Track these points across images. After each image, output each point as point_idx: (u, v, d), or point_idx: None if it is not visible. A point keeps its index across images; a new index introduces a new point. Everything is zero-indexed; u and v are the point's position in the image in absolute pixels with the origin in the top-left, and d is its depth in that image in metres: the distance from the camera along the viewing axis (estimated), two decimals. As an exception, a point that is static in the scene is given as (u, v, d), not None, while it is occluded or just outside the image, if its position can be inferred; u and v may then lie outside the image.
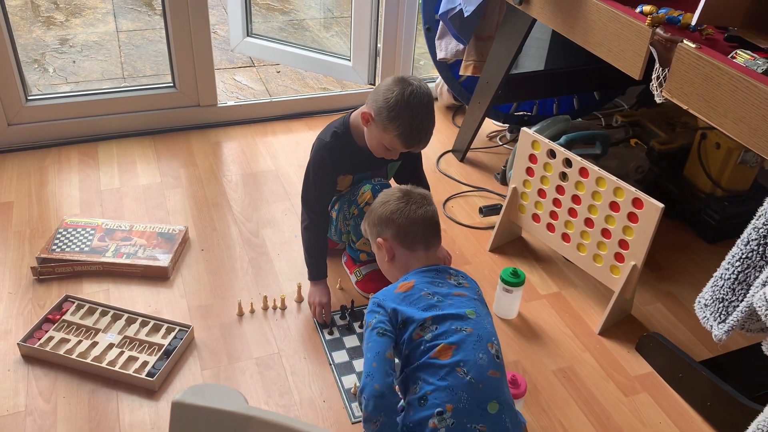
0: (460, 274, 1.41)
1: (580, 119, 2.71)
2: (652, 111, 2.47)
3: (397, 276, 1.44)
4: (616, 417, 1.60)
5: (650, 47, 1.51)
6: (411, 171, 1.89)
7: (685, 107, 1.45)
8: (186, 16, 2.36)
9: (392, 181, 1.92)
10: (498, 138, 2.65)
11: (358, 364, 1.66)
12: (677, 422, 1.59)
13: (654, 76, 1.52)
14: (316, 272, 1.78)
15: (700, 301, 1.39)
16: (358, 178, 1.82)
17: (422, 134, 1.64)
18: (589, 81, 2.52)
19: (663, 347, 1.71)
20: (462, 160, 2.49)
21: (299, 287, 1.83)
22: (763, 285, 1.20)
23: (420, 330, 1.28)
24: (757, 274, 1.27)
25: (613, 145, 2.18)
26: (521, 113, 2.68)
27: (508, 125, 2.64)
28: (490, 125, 2.70)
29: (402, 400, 1.34)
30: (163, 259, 1.89)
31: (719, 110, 1.37)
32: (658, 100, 1.54)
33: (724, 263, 1.34)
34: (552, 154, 1.84)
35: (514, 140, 2.62)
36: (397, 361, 1.32)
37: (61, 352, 1.60)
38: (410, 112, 1.58)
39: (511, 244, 2.11)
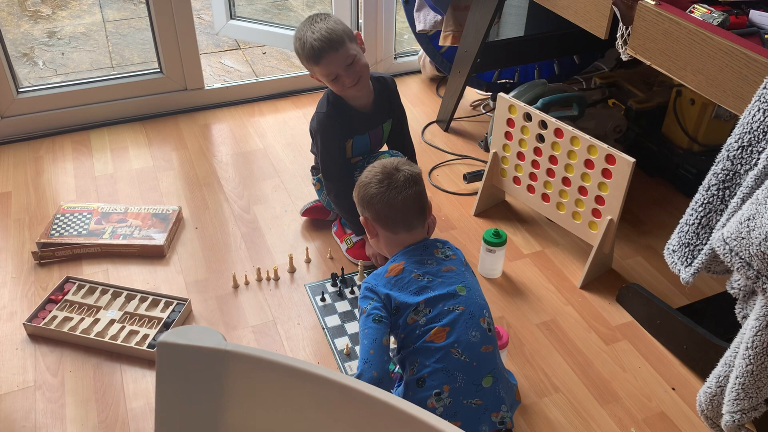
0: (446, 246, 1.45)
1: (559, 83, 2.76)
2: (630, 72, 2.52)
3: (384, 251, 1.49)
4: (597, 364, 1.67)
5: (613, 7, 1.56)
6: (397, 132, 1.97)
7: (648, 63, 1.50)
8: (168, 2, 2.41)
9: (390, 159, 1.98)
10: (481, 106, 2.70)
11: (350, 327, 1.74)
12: (656, 366, 1.67)
13: (618, 34, 1.58)
14: (359, 227, 1.85)
15: (668, 248, 1.45)
16: (357, 143, 1.89)
17: (317, 42, 1.70)
18: (568, 45, 2.57)
19: (642, 297, 1.79)
20: (446, 129, 2.55)
21: (291, 258, 1.90)
22: (722, 227, 1.27)
23: (414, 314, 1.33)
24: (718, 218, 1.33)
25: (591, 106, 2.24)
26: (503, 81, 2.73)
27: (490, 93, 2.70)
28: (473, 94, 2.76)
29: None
30: (159, 238, 1.95)
31: (679, 63, 1.42)
32: (624, 57, 1.59)
33: (688, 209, 1.40)
34: (528, 117, 1.90)
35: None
36: (393, 345, 1.39)
37: (65, 329, 1.68)
38: (309, 25, 1.72)
39: (494, 208, 2.17)
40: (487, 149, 2.43)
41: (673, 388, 1.62)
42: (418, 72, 2.89)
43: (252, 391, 0.66)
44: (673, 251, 1.44)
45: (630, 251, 2.02)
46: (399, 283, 1.35)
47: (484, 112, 2.67)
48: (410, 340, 1.33)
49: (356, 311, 1.79)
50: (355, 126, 1.87)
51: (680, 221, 1.44)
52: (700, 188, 1.38)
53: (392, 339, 1.39)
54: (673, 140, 2.30)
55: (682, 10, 1.44)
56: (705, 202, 1.35)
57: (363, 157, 1.92)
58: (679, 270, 1.43)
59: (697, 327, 1.64)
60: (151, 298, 1.78)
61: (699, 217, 1.37)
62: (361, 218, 1.47)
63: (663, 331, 1.73)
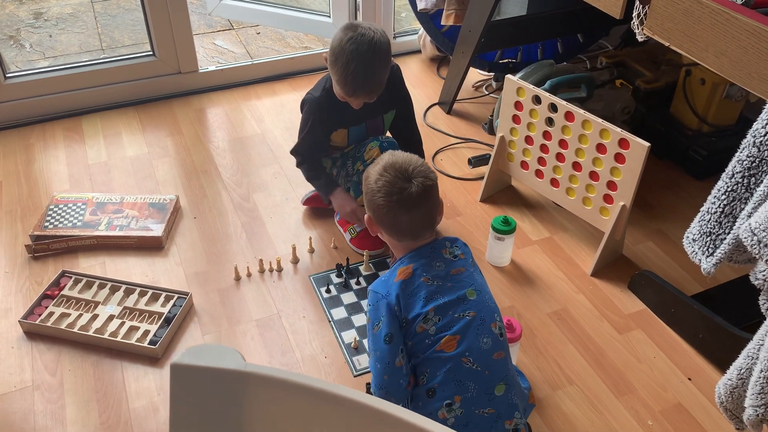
0: (455, 244, 1.36)
1: (564, 63, 2.70)
2: (637, 50, 2.46)
3: (388, 241, 1.40)
4: (610, 354, 1.63)
5: (629, -16, 1.49)
6: (404, 123, 1.89)
7: (666, 44, 1.44)
8: (159, -19, 2.32)
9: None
10: (484, 87, 2.63)
11: (357, 320, 1.69)
12: (671, 356, 1.63)
13: (634, 14, 1.51)
14: (326, 185, 1.82)
15: (688, 236, 1.41)
16: (353, 133, 1.82)
17: (358, 83, 1.61)
18: (573, 23, 2.50)
19: (655, 284, 1.74)
20: (449, 112, 2.48)
21: (294, 248, 1.85)
22: (749, 216, 1.22)
23: (423, 323, 1.25)
24: (742, 206, 1.29)
25: (599, 87, 2.18)
26: (506, 61, 2.66)
27: (493, 74, 2.63)
28: (475, 75, 2.69)
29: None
30: (157, 229, 1.89)
31: (700, 44, 1.36)
32: (639, 38, 1.53)
33: (710, 197, 1.35)
34: (537, 99, 1.84)
35: (501, 89, 2.60)
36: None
37: (63, 326, 1.62)
38: (346, 58, 1.58)
39: (501, 193, 2.12)
40: (491, 132, 2.37)
41: (689, 379, 1.58)
42: (418, 52, 2.81)
43: (275, 416, 0.61)
44: (693, 240, 1.39)
45: (640, 236, 1.97)
46: (408, 287, 1.27)
47: (486, 93, 2.60)
48: (419, 350, 1.27)
49: (363, 303, 1.73)
50: (348, 117, 1.80)
51: (701, 209, 1.39)
52: (723, 175, 1.32)
53: None
54: (682, 121, 2.25)
55: (703, -11, 1.37)
56: (728, 189, 1.30)
57: (355, 145, 1.85)
58: (699, 260, 1.38)
59: (713, 315, 1.61)
60: (150, 292, 1.72)
61: (722, 206, 1.32)
62: (365, 216, 1.37)
63: (677, 320, 1.69)
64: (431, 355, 1.25)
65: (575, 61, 2.76)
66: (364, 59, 1.59)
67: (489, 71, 2.65)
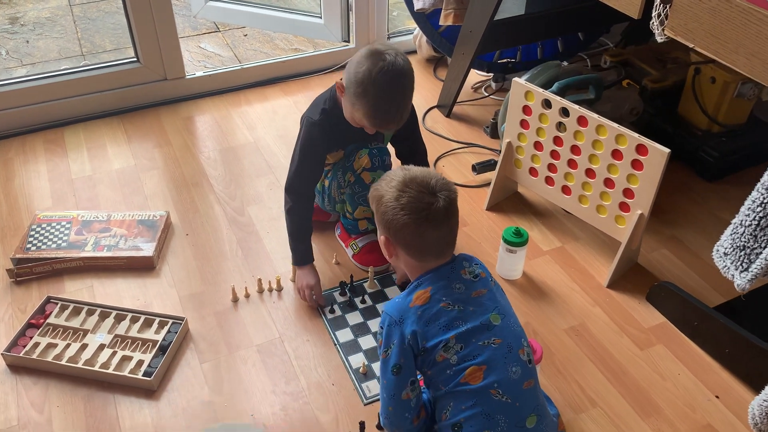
0: (473, 263, 1.27)
1: (564, 62, 2.61)
2: (641, 48, 2.38)
3: (404, 269, 1.30)
4: (633, 371, 1.55)
5: (649, -18, 1.41)
6: (407, 135, 1.79)
7: (690, 45, 1.36)
8: (142, -17, 2.20)
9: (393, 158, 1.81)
10: (483, 89, 2.54)
11: (364, 342, 1.59)
12: (696, 372, 1.55)
13: (654, 13, 1.42)
14: (302, 257, 1.68)
15: (718, 250, 1.33)
16: (349, 150, 1.71)
17: (389, 115, 1.51)
18: (573, 22, 2.41)
19: (675, 296, 1.66)
20: (448, 115, 2.39)
21: (294, 267, 1.74)
22: (790, 231, 1.14)
23: (444, 351, 1.16)
24: (780, 219, 1.21)
25: (606, 88, 2.09)
26: (505, 60, 2.57)
27: (492, 74, 2.54)
28: (473, 76, 2.59)
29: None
30: (147, 249, 1.78)
31: (730, 46, 1.28)
32: (659, 39, 1.44)
33: (743, 209, 1.27)
34: (547, 104, 1.75)
35: (500, 90, 2.52)
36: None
37: (50, 358, 1.51)
38: (377, 90, 1.46)
39: (507, 200, 2.03)
40: (493, 135, 2.28)
41: (717, 396, 1.50)
42: (414, 52, 2.71)
43: None
44: (725, 254, 1.31)
45: (654, 243, 1.89)
46: (426, 314, 1.18)
47: (486, 94, 2.51)
48: (441, 381, 1.18)
49: (370, 323, 1.64)
50: (349, 138, 1.68)
51: (733, 221, 1.31)
52: (758, 186, 1.24)
53: None
54: (691, 121, 2.17)
55: (731, -14, 1.29)
56: (764, 201, 1.22)
57: (344, 154, 1.73)
58: (732, 275, 1.30)
59: (738, 329, 1.53)
60: (143, 317, 1.61)
61: (757, 218, 1.24)
62: (380, 237, 1.27)
63: (701, 333, 1.61)
64: (455, 389, 1.16)
65: (576, 60, 2.67)
66: (397, 91, 1.49)
67: (488, 71, 2.55)
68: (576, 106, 1.68)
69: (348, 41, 2.63)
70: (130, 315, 1.62)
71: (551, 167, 1.82)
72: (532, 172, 1.88)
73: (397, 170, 1.26)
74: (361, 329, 1.62)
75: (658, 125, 2.20)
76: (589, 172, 1.73)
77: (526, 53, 2.59)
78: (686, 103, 2.18)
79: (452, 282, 1.22)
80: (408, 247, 1.23)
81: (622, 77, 2.18)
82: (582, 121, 1.69)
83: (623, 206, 1.70)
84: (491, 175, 2.06)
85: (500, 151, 2.12)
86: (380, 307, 1.68)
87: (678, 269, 1.81)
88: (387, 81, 1.45)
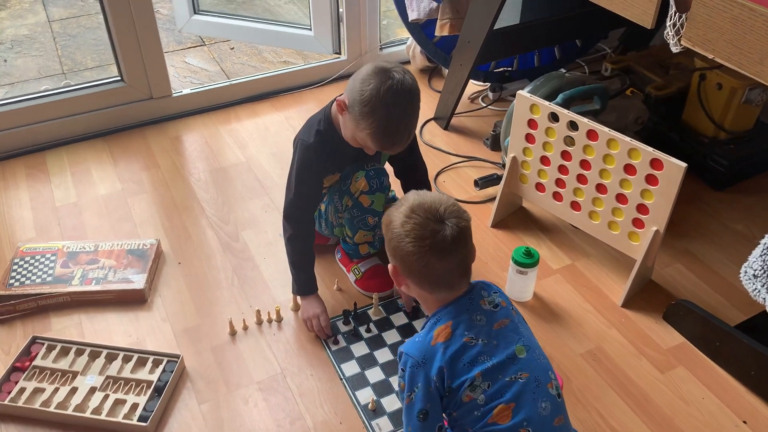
0: (492, 290, 1.20)
1: (562, 70, 2.54)
2: (642, 54, 2.32)
3: (417, 299, 1.23)
4: (655, 397, 1.48)
5: (664, -10, 1.34)
6: (406, 152, 1.70)
7: (710, 56, 1.29)
8: (124, -4, 2.10)
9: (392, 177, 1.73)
10: (480, 99, 2.47)
11: (372, 375, 1.51)
12: (721, 396, 1.48)
13: (669, 23, 1.35)
14: (305, 287, 1.60)
15: (747, 272, 1.26)
16: (346, 172, 1.63)
17: (397, 136, 1.43)
18: (572, 28, 2.35)
19: (693, 314, 1.59)
20: (446, 127, 2.31)
21: (295, 296, 1.65)
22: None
23: (470, 391, 1.09)
24: (815, 240, 1.14)
25: (611, 98, 2.02)
26: (501, 69, 2.50)
27: (489, 84, 2.46)
28: (469, 86, 2.51)
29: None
30: (138, 281, 1.69)
31: (753, 57, 1.21)
32: (674, 49, 1.37)
33: (773, 229, 1.20)
34: (554, 117, 1.68)
35: (498, 100, 2.45)
36: None
37: (37, 405, 1.41)
38: (385, 110, 1.38)
39: (512, 216, 1.95)
40: (494, 148, 2.21)
41: (745, 422, 1.43)
42: (407, 63, 2.63)
43: None
44: (755, 276, 1.24)
45: (667, 258, 1.82)
46: (450, 351, 1.10)
47: (484, 105, 2.44)
48: (468, 423, 1.10)
49: (377, 354, 1.55)
50: (346, 160, 1.60)
51: (762, 242, 1.24)
52: (790, 205, 1.17)
53: None
54: (697, 128, 2.11)
55: (753, -7, 1.22)
56: (798, 221, 1.15)
57: (340, 177, 1.64)
58: (764, 298, 1.23)
59: (764, 349, 1.46)
60: (136, 356, 1.52)
61: (790, 239, 1.17)
62: (389, 265, 1.20)
63: (723, 354, 1.54)
64: (483, 429, 1.09)
65: (574, 67, 2.61)
66: (406, 111, 1.41)
67: (485, 81, 2.48)
68: (585, 120, 1.61)
69: (339, 53, 2.55)
70: (122, 354, 1.52)
71: (559, 182, 1.75)
72: (539, 187, 1.81)
73: (409, 194, 1.18)
74: (367, 361, 1.54)
75: (664, 133, 2.13)
76: (600, 188, 1.66)
77: (523, 61, 2.52)
78: (691, 109, 2.12)
79: (472, 314, 1.14)
80: (414, 276, 1.15)
81: (627, 86, 2.12)
82: (592, 134, 1.61)
83: (637, 222, 1.62)
84: (494, 190, 1.99)
85: (502, 165, 2.06)
86: (386, 336, 1.60)
87: (694, 285, 1.74)
88: (396, 100, 1.37)
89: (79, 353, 1.53)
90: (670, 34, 1.36)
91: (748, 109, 2.03)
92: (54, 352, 1.53)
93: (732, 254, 1.83)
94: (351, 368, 1.52)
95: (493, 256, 1.82)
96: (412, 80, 1.42)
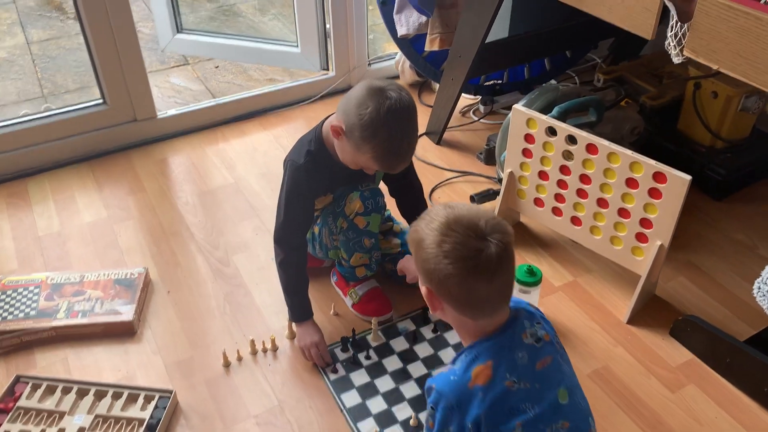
0: (535, 320, 1.09)
1: (553, 82, 2.52)
2: (634, 64, 2.29)
3: (453, 320, 1.10)
4: (667, 419, 1.43)
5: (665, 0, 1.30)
6: (402, 172, 1.66)
7: (714, 67, 1.25)
8: (105, 16, 2.04)
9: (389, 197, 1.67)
10: (472, 112, 2.43)
11: (373, 405, 1.45)
12: (734, 414, 1.44)
13: (670, 33, 1.32)
14: (300, 313, 1.54)
15: (761, 288, 1.22)
16: (339, 193, 1.58)
17: (402, 156, 1.39)
18: (561, 40, 2.32)
19: (702, 330, 1.55)
20: (438, 142, 2.27)
21: (290, 323, 1.59)
22: None
23: None
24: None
25: (607, 110, 1.99)
26: (491, 83, 2.47)
27: (480, 97, 2.43)
28: (460, 99, 2.47)
29: None
30: (126, 312, 1.62)
31: (761, 67, 1.18)
32: (676, 60, 1.34)
33: (787, 243, 1.16)
34: (552, 131, 1.64)
35: (490, 113, 2.41)
36: None
37: (22, 449, 1.34)
38: (387, 132, 1.33)
39: (511, 232, 1.91)
40: (488, 162, 2.17)
41: (760, 441, 1.39)
42: (396, 78, 2.59)
43: None
44: (770, 293, 1.20)
45: (670, 271, 1.78)
46: (489, 397, 1.00)
47: (476, 118, 2.40)
48: None
49: (377, 383, 1.49)
50: (337, 182, 1.55)
51: (775, 256, 1.20)
52: (804, 218, 1.14)
53: None
54: (693, 137, 2.08)
55: (756, 1, 1.19)
56: (814, 235, 1.11)
57: (334, 198, 1.59)
58: (780, 316, 1.19)
59: (778, 365, 1.42)
60: (126, 392, 1.45)
61: (806, 254, 1.13)
62: (422, 287, 1.08)
63: (734, 371, 1.50)
64: None
65: (564, 78, 2.58)
66: (407, 130, 1.37)
67: (475, 95, 2.45)
68: (584, 133, 1.57)
69: (327, 69, 2.51)
70: (111, 390, 1.45)
71: (558, 197, 1.71)
72: (537, 202, 1.77)
73: (439, 208, 1.05)
74: (368, 390, 1.48)
75: (659, 143, 2.10)
76: (601, 202, 1.62)
77: (513, 74, 2.49)
78: (686, 119, 2.09)
79: (514, 352, 1.04)
80: (455, 302, 1.03)
81: (622, 97, 2.09)
82: (591, 148, 1.58)
83: (640, 237, 1.58)
84: (491, 206, 1.95)
85: (497, 179, 2.01)
86: (387, 363, 1.54)
87: (698, 299, 1.70)
88: (396, 120, 1.33)
89: (66, 391, 1.46)
90: (671, 44, 1.32)
91: (745, 117, 2.00)
92: (39, 391, 1.45)
93: (735, 265, 1.80)
94: (351, 398, 1.46)
95: (492, 274, 1.77)
96: (408, 96, 1.37)
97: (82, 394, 1.46)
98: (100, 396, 1.45)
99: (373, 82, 1.36)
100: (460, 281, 1.00)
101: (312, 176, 1.48)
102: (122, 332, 1.61)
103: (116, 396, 1.45)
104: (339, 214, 1.57)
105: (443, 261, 0.99)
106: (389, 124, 1.32)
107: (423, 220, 1.06)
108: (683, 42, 1.30)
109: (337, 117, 1.39)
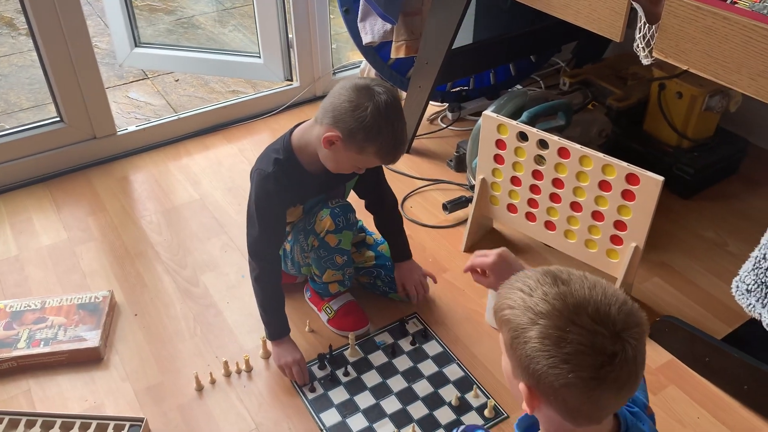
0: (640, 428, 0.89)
1: (519, 86, 2.52)
2: (598, 66, 2.30)
3: (548, 421, 0.87)
4: (650, 421, 1.42)
5: (632, 1, 1.30)
6: (373, 183, 1.63)
7: (684, 67, 1.25)
8: (59, 31, 1.97)
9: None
10: (440, 119, 2.42)
11: (354, 423, 1.41)
12: (716, 414, 1.43)
13: (639, 35, 1.32)
14: (277, 330, 1.50)
15: (739, 286, 1.22)
16: (309, 205, 1.54)
17: (403, 144, 1.41)
18: (526, 45, 2.32)
19: (680, 330, 1.55)
20: (408, 151, 2.25)
21: (264, 341, 1.55)
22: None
23: None
24: (810, 251, 1.10)
25: (575, 113, 1.99)
26: (458, 89, 2.46)
27: (447, 104, 2.42)
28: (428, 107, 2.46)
29: None
30: (92, 338, 1.55)
31: (730, 67, 1.18)
32: (645, 62, 1.34)
33: (764, 241, 1.16)
34: (523, 136, 1.62)
35: (458, 120, 2.40)
36: None
37: (-16, 489, 1.27)
38: (390, 126, 1.34)
39: (485, 238, 1.89)
40: (458, 169, 2.15)
41: (743, 439, 1.39)
42: (361, 87, 2.56)
43: None
44: (748, 291, 1.20)
45: (643, 272, 1.78)
46: None
47: (444, 126, 2.38)
48: None
49: (357, 399, 1.45)
50: (307, 191, 1.52)
51: (753, 255, 1.20)
52: (780, 216, 1.14)
53: None
54: (660, 138, 2.10)
55: (723, 1, 1.19)
56: (790, 233, 1.12)
57: (304, 215, 1.56)
58: (760, 313, 1.19)
59: (756, 362, 1.42)
60: (94, 423, 1.38)
61: (783, 251, 1.13)
62: (518, 385, 0.83)
63: (714, 370, 1.50)
64: None
65: (529, 82, 2.59)
66: (402, 118, 1.38)
67: (442, 102, 2.43)
68: (555, 138, 1.56)
69: (291, 80, 2.47)
70: (78, 422, 1.38)
71: (531, 202, 1.70)
72: (511, 208, 1.75)
73: (545, 278, 0.82)
74: (348, 408, 1.44)
75: (627, 145, 2.11)
76: (575, 206, 1.61)
77: (479, 80, 2.49)
78: (652, 119, 2.11)
79: None
80: (566, 412, 0.81)
81: (590, 100, 2.09)
82: (563, 152, 1.57)
83: (615, 239, 1.58)
84: (463, 213, 1.93)
85: (469, 186, 2.00)
86: (366, 378, 1.50)
87: (674, 298, 1.71)
88: (395, 113, 1.35)
89: (30, 425, 1.38)
90: (640, 46, 1.32)
91: (709, 116, 2.02)
92: (1, 427, 1.38)
93: (707, 263, 1.81)
94: (331, 417, 1.42)
95: (469, 282, 1.75)
96: (392, 87, 1.39)
97: (47, 427, 1.38)
98: (66, 428, 1.38)
99: (355, 83, 1.34)
100: (582, 392, 0.77)
101: (281, 184, 1.43)
102: (88, 359, 1.54)
103: (84, 427, 1.38)
104: (309, 231, 1.53)
105: (561, 366, 0.76)
106: (390, 119, 1.34)
107: (516, 292, 0.81)
108: (652, 43, 1.30)
109: (328, 127, 1.35)
